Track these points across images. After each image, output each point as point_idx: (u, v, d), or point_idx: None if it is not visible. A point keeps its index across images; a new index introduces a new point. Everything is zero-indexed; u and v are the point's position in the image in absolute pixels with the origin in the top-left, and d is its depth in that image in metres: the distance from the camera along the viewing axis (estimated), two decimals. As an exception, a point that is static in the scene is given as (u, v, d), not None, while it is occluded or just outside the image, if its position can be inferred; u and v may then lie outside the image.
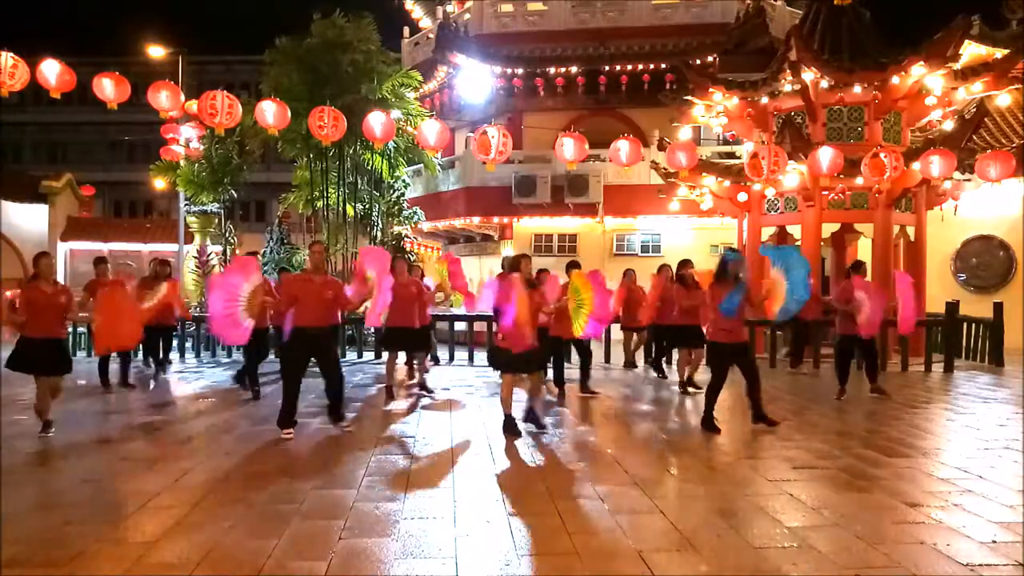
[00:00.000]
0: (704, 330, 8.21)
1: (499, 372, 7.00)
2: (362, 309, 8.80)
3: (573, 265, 8.68)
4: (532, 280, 7.01)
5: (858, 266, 9.25)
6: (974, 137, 14.41)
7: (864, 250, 14.32)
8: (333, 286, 6.84)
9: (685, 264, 9.24)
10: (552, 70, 19.07)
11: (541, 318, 7.22)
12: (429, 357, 10.16)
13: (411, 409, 8.22)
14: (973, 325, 13.15)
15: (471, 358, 12.48)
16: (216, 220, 19.27)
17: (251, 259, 7.24)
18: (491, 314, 8.38)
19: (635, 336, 11.78)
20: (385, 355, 9.46)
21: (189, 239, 22.10)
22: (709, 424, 7.03)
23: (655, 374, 10.75)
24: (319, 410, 7.98)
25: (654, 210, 17.68)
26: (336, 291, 6.80)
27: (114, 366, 9.43)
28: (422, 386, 9.14)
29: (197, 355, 13.06)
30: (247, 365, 8.89)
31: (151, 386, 9.78)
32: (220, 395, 9.13)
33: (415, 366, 9.77)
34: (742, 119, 14.55)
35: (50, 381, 6.75)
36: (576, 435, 6.89)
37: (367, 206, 16.86)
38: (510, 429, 6.70)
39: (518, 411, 6.98)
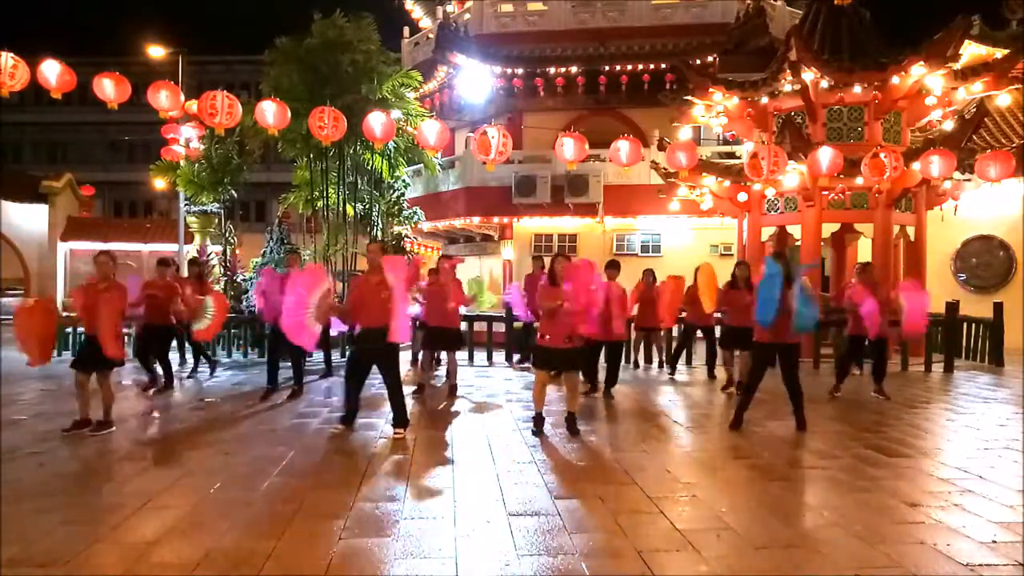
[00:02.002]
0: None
1: (535, 369, 7.06)
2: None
3: (612, 265, 8.96)
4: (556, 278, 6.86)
5: (864, 268, 9.44)
6: (974, 137, 14.40)
7: (864, 250, 14.32)
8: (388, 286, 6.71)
9: (740, 265, 9.44)
10: (552, 70, 19.06)
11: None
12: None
13: (412, 410, 8.23)
14: (973, 325, 13.15)
15: (471, 358, 12.47)
16: (216, 220, 19.23)
17: (319, 268, 7.21)
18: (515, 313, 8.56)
19: (650, 336, 11.80)
20: (421, 354, 9.91)
21: (189, 239, 22.08)
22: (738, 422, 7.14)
23: (672, 374, 10.91)
24: (319, 410, 8.00)
25: (654, 210, 17.67)
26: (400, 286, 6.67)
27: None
28: (452, 389, 9.16)
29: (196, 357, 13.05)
30: (294, 364, 9.16)
31: (207, 379, 9.77)
32: (220, 396, 9.13)
33: (445, 367, 9.80)
34: (742, 119, 14.54)
35: (99, 378, 6.89)
36: (575, 435, 6.88)
37: (367, 206, 16.83)
38: (538, 427, 6.76)
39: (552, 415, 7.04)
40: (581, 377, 8.67)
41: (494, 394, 9.25)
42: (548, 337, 6.78)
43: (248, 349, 13.36)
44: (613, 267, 8.96)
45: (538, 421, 6.84)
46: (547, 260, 11.27)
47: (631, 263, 14.42)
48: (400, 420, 6.79)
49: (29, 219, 24.04)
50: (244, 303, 14.95)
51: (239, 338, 13.47)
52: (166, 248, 23.96)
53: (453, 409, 8.20)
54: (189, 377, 10.60)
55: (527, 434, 6.82)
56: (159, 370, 9.58)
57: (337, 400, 8.63)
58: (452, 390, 9.12)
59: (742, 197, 14.52)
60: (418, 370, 9.35)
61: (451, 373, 9.33)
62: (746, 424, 7.31)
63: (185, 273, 11.91)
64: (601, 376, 9.19)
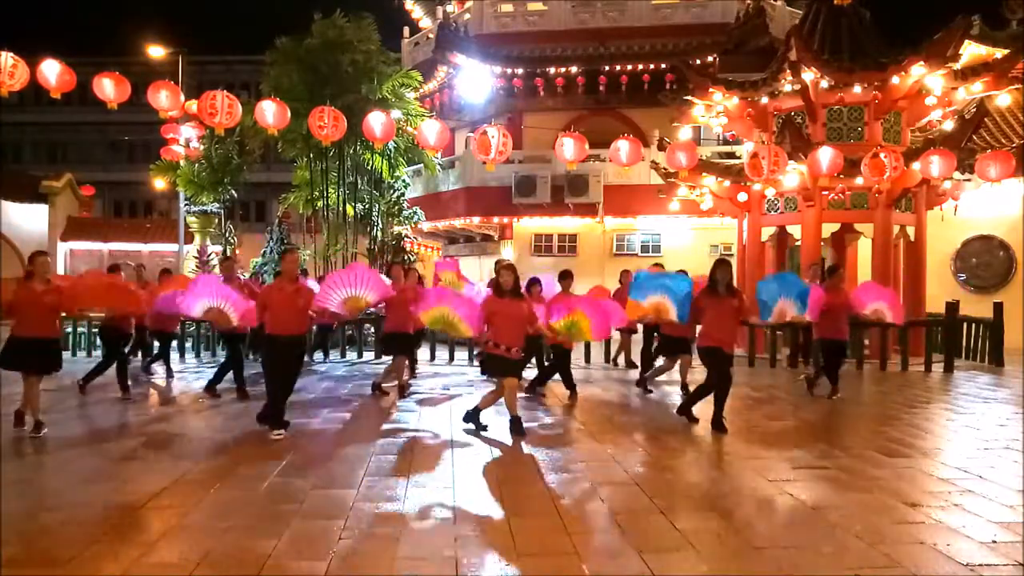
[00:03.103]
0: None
1: (496, 378, 7.03)
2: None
3: (565, 275, 8.82)
4: (516, 289, 6.90)
5: (833, 270, 9.64)
6: (974, 137, 14.40)
7: (864, 250, 14.32)
8: (305, 295, 6.79)
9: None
10: (552, 70, 19.07)
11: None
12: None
13: (411, 409, 8.22)
14: (973, 325, 13.14)
15: (471, 358, 12.46)
16: (216, 220, 19.27)
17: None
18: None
19: (621, 337, 11.76)
20: (389, 358, 9.88)
21: (189, 239, 22.11)
22: (692, 415, 7.27)
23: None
24: (319, 410, 7.99)
25: (654, 210, 17.68)
26: (307, 300, 6.77)
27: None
28: (403, 388, 9.15)
29: (197, 355, 13.05)
30: (227, 366, 8.92)
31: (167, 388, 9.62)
32: (219, 396, 9.10)
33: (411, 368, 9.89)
34: (742, 119, 14.54)
35: (39, 380, 6.74)
36: (576, 436, 6.88)
37: (367, 206, 16.86)
38: (517, 430, 6.74)
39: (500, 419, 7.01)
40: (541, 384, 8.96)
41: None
42: (502, 346, 6.74)
43: (250, 351, 13.33)
44: (567, 277, 8.90)
45: (517, 424, 6.80)
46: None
47: (631, 263, 14.42)
48: (276, 420, 6.71)
49: (29, 219, 24.05)
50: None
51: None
52: (166, 248, 24.03)
53: (453, 409, 8.19)
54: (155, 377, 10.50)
55: (527, 434, 6.82)
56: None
57: (336, 401, 8.63)
58: (401, 390, 9.05)
59: (742, 197, 14.52)
60: (392, 376, 9.31)
61: (388, 372, 9.29)
62: (746, 424, 7.32)
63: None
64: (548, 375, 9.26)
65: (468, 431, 6.87)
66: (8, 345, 6.73)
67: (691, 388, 9.09)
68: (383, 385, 9.20)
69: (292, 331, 6.64)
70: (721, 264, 7.25)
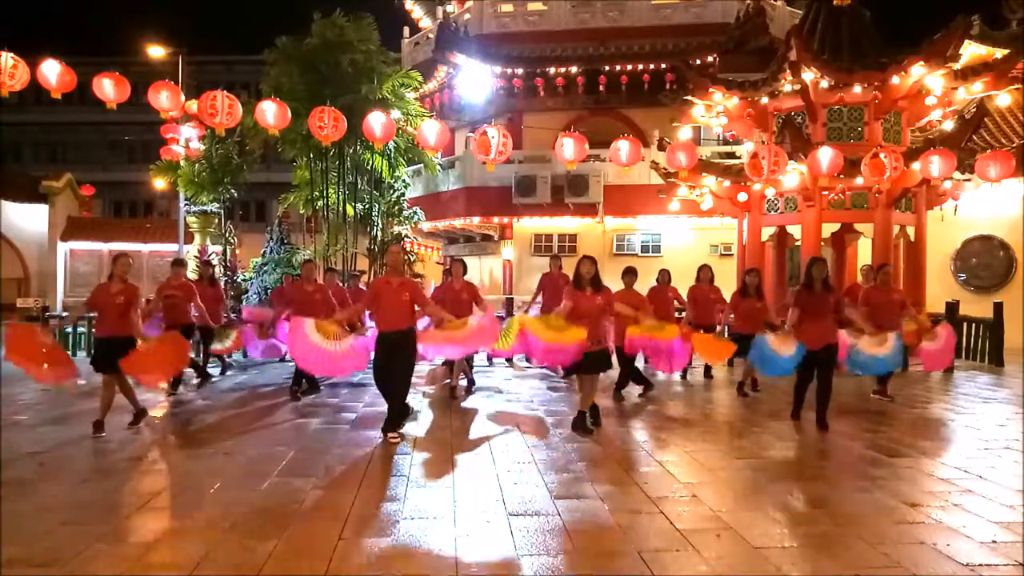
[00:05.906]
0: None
1: (578, 373, 7.04)
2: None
3: (628, 272, 8.85)
4: (596, 281, 6.79)
5: (881, 268, 9.50)
6: (974, 137, 14.39)
7: (864, 250, 14.33)
8: (410, 288, 6.66)
9: (751, 272, 9.38)
10: (552, 70, 19.07)
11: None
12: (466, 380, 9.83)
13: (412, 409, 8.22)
14: (973, 325, 13.14)
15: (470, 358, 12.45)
16: (216, 220, 19.22)
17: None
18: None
19: None
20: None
21: (189, 239, 22.07)
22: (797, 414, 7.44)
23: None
24: (318, 410, 8.00)
25: (654, 210, 17.68)
26: (413, 293, 6.63)
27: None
28: (471, 384, 9.44)
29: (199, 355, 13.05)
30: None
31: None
32: (220, 395, 9.13)
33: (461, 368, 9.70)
34: (742, 119, 14.53)
35: (114, 378, 6.85)
36: (577, 435, 6.88)
37: (367, 206, 16.84)
38: (580, 424, 6.86)
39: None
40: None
41: (494, 394, 9.25)
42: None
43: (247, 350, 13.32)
44: (630, 274, 8.90)
45: (582, 419, 6.87)
46: (563, 261, 11.17)
47: (631, 263, 14.40)
48: (390, 422, 6.67)
49: (29, 219, 24.02)
50: (244, 302, 14.94)
51: (239, 338, 13.43)
52: (166, 248, 24.01)
53: (453, 410, 8.20)
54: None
55: (527, 434, 6.83)
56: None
57: (337, 400, 8.63)
58: (452, 391, 9.09)
59: (742, 197, 14.51)
60: (443, 372, 9.44)
61: (455, 374, 9.33)
62: (746, 424, 7.33)
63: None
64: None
65: (585, 433, 6.76)
66: (94, 346, 7.08)
67: (746, 389, 9.16)
68: (456, 386, 9.16)
69: (399, 326, 6.51)
70: (817, 262, 7.28)
